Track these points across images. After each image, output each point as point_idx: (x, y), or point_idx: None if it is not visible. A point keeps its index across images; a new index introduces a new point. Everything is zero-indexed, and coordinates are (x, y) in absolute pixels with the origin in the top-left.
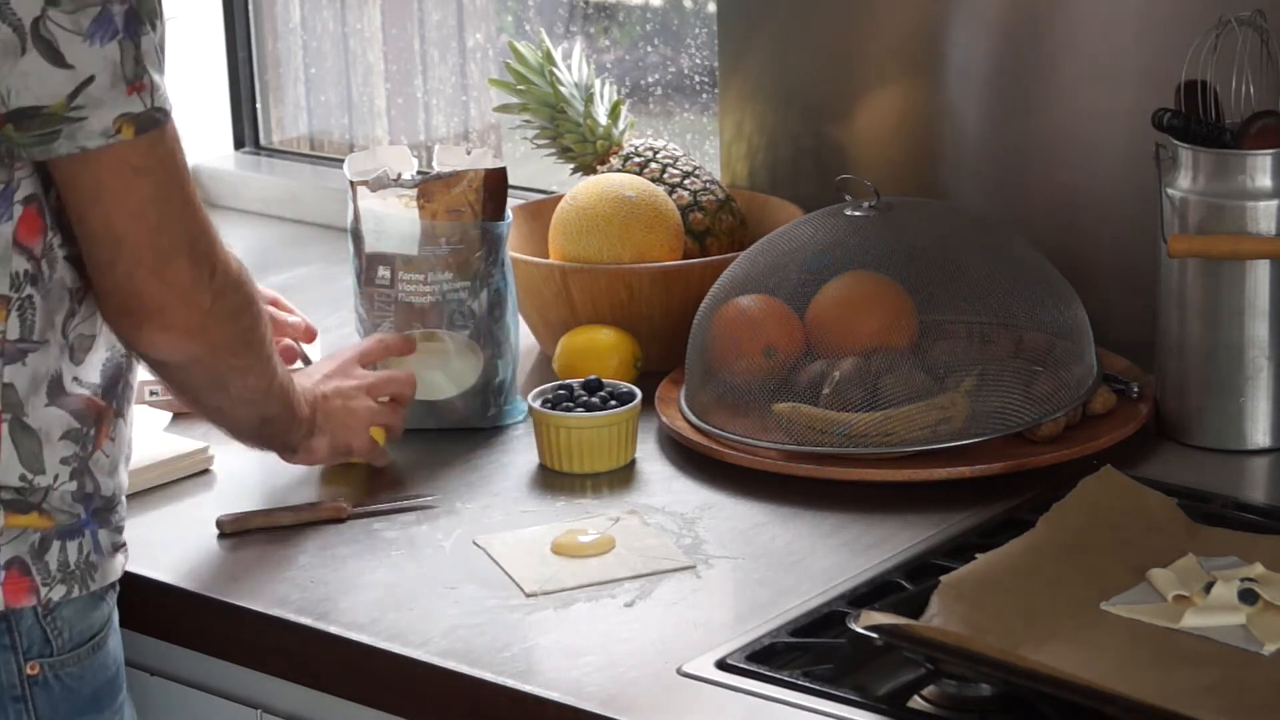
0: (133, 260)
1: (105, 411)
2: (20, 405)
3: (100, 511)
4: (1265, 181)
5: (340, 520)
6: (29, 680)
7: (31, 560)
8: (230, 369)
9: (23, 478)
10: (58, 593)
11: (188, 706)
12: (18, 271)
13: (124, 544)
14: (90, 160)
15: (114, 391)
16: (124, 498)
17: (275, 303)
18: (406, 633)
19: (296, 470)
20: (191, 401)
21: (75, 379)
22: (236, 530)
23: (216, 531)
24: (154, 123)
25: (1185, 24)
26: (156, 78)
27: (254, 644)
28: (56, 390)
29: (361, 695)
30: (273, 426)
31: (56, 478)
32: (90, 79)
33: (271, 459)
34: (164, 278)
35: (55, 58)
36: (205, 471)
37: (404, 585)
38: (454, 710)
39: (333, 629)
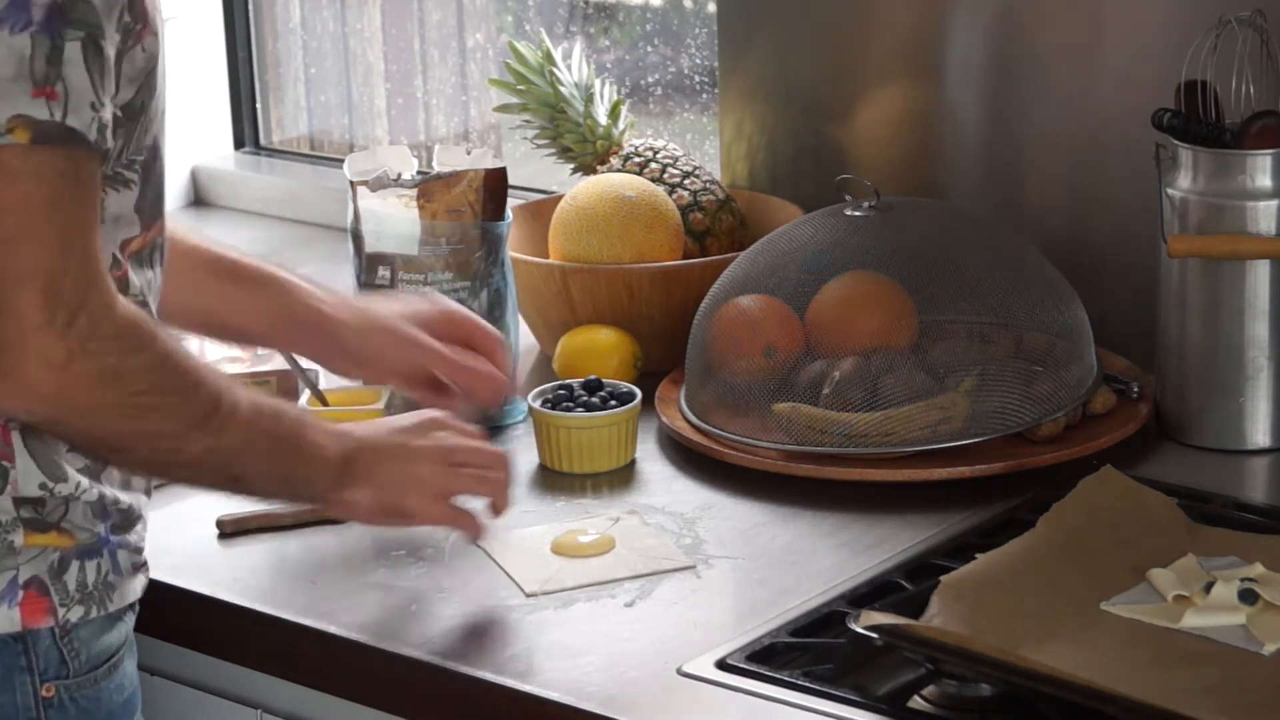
0: None
1: None
2: None
3: (119, 528)
4: (1265, 181)
5: (340, 520)
6: (44, 703)
7: (50, 580)
8: (121, 435)
9: (43, 486)
10: (75, 614)
11: (188, 706)
12: None
13: (144, 563)
14: None
15: None
16: (145, 514)
17: (470, 340)
18: (406, 633)
19: None
20: (123, 470)
21: None
22: (236, 530)
23: (216, 531)
24: (57, 139)
25: (1185, 24)
26: (84, 97)
27: (254, 644)
28: None
29: (361, 695)
30: (263, 485)
31: (79, 486)
32: None
33: None
34: (5, 304)
35: None
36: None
37: (404, 585)
38: (454, 710)
39: (333, 629)
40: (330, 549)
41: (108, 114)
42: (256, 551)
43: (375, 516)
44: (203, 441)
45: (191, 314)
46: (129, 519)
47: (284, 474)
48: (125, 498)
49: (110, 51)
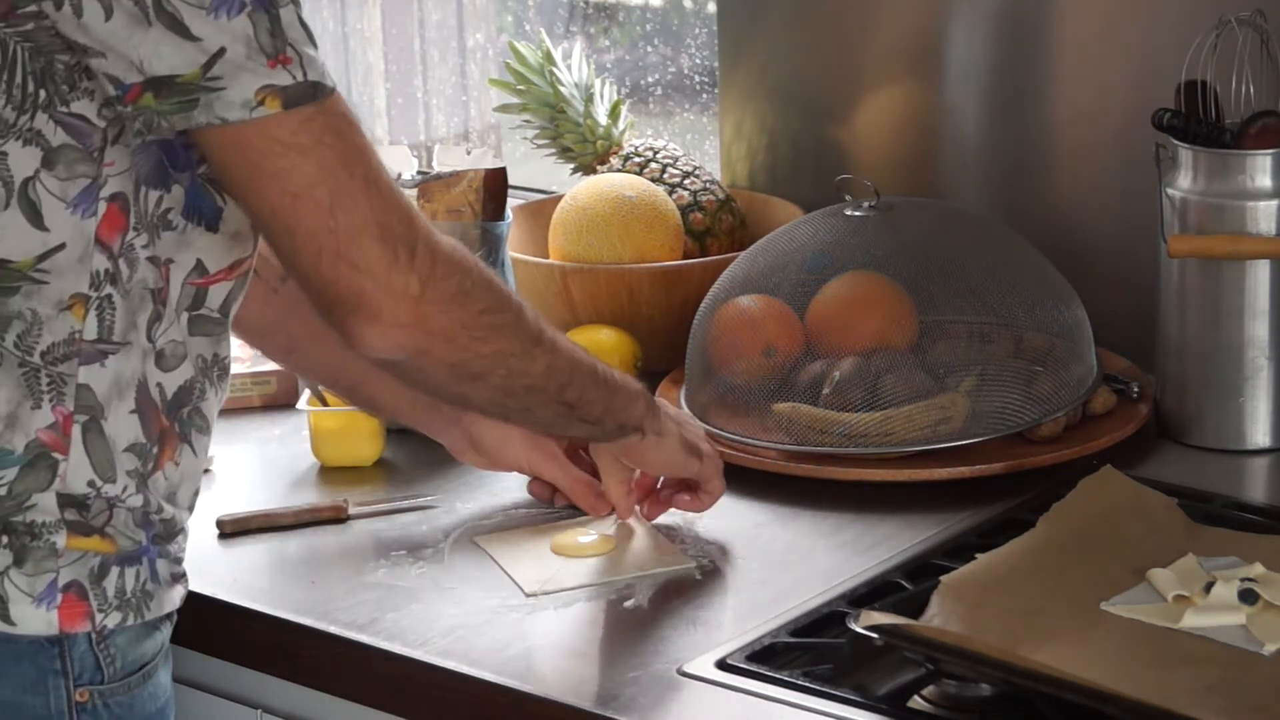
0: (311, 248)
1: (168, 432)
2: (99, 408)
3: (160, 538)
4: (1265, 181)
5: (340, 520)
6: (77, 707)
7: (90, 585)
8: (478, 357)
9: (91, 484)
10: (113, 620)
11: (188, 706)
12: (98, 270)
13: (184, 574)
14: (238, 140)
15: (177, 413)
16: (186, 527)
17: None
18: (406, 633)
19: (297, 470)
20: (472, 407)
21: (159, 385)
22: (236, 530)
23: (216, 531)
24: (307, 96)
25: (1185, 24)
26: (308, 52)
27: (254, 644)
28: (144, 396)
29: (361, 695)
30: (595, 409)
31: (125, 489)
32: (221, 51)
33: (270, 459)
34: (353, 263)
35: (182, 30)
36: (205, 471)
37: (404, 585)
38: (454, 710)
39: (333, 629)
40: (330, 549)
41: (323, 55)
42: (256, 551)
43: (679, 450)
44: (543, 359)
45: (327, 372)
46: (171, 530)
47: (609, 398)
48: (169, 508)
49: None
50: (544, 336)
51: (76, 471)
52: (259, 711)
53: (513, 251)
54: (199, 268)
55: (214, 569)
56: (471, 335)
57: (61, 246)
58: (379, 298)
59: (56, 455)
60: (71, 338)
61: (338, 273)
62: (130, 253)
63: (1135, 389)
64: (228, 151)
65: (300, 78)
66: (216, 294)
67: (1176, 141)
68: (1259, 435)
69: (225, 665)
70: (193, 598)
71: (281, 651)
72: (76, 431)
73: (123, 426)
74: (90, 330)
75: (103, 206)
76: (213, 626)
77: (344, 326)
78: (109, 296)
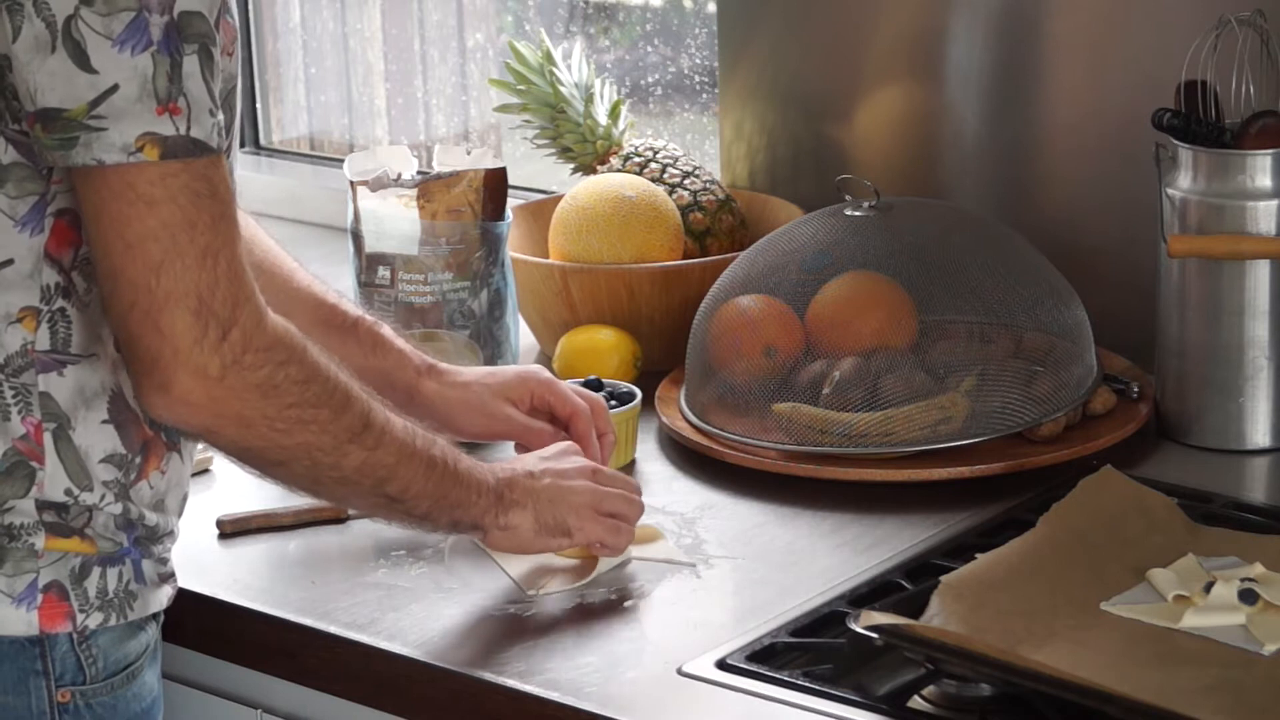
0: (126, 299)
1: (154, 441)
2: (64, 418)
3: (143, 541)
4: (1265, 181)
5: (340, 520)
6: (59, 707)
7: (71, 585)
8: (279, 447)
9: (68, 492)
10: (94, 620)
11: (188, 706)
12: (49, 284)
13: (172, 575)
14: (97, 177)
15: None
16: (174, 531)
17: (552, 409)
18: (406, 633)
19: None
20: (283, 486)
21: (137, 397)
22: (236, 530)
23: (216, 531)
24: (185, 151)
25: (1185, 24)
26: (203, 105)
27: (254, 644)
28: (120, 407)
29: (361, 695)
30: (422, 504)
31: (103, 498)
32: (114, 88)
33: None
34: (158, 327)
35: (82, 60)
36: (205, 471)
37: (404, 585)
38: (454, 710)
39: (333, 629)
40: (330, 549)
41: (222, 117)
42: (256, 551)
43: (537, 538)
44: (359, 455)
45: None
46: (155, 534)
47: (441, 494)
48: (154, 515)
49: (218, 56)
50: (367, 433)
51: (53, 480)
52: (259, 711)
53: (513, 251)
54: None
55: (214, 569)
56: (273, 426)
57: (10, 262)
58: (174, 370)
59: (34, 464)
60: (24, 349)
61: (143, 331)
62: (85, 266)
63: (1135, 389)
64: (83, 182)
65: (184, 131)
66: None
67: (1176, 141)
68: (1259, 435)
69: (225, 665)
70: (193, 598)
71: (281, 651)
72: (48, 440)
73: (95, 437)
74: (43, 342)
75: (49, 222)
76: (213, 626)
77: (136, 383)
78: (61, 310)
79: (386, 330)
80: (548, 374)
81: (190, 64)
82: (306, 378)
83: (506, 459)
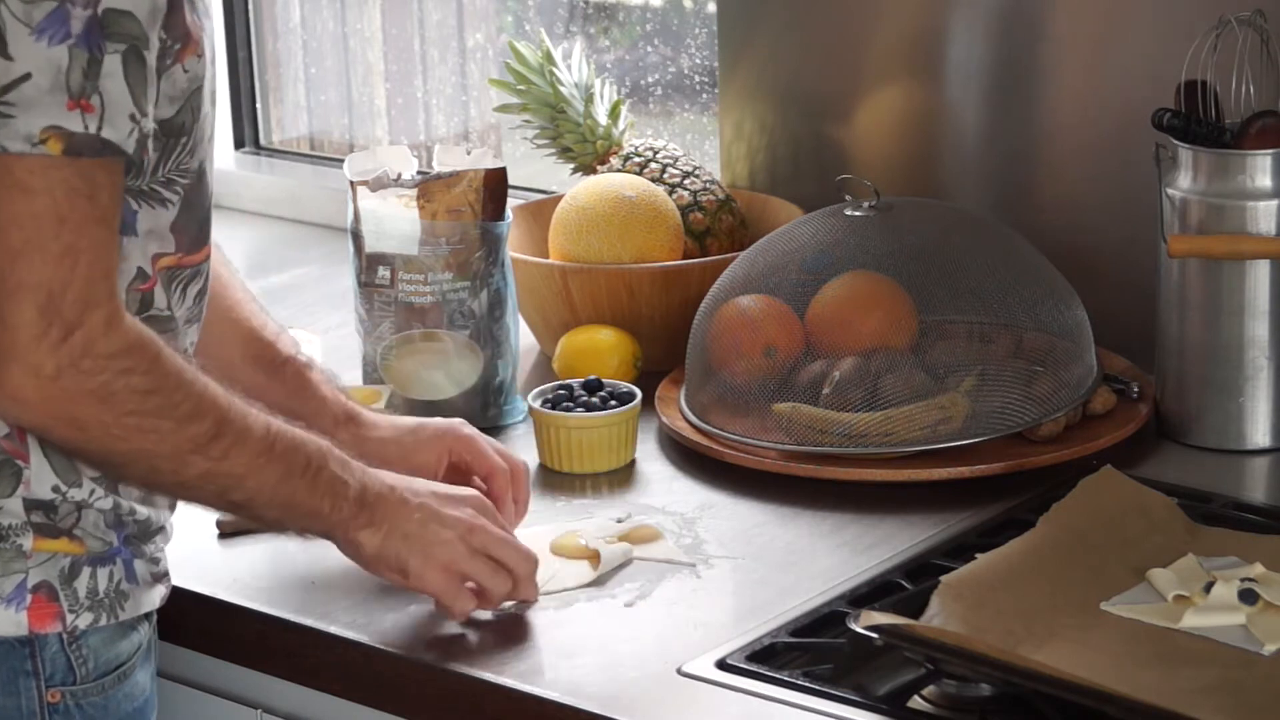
0: None
1: None
2: None
3: (133, 539)
4: (1265, 181)
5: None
6: (49, 708)
7: (60, 586)
8: (114, 452)
9: (56, 489)
10: (85, 620)
11: (188, 706)
12: None
13: (165, 574)
14: None
15: None
16: (166, 527)
17: (476, 468)
18: (406, 633)
19: None
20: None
21: None
22: (236, 530)
23: (216, 531)
24: (90, 150)
25: (1185, 24)
26: (122, 108)
27: (254, 644)
28: None
29: (361, 695)
30: (271, 511)
31: (93, 493)
32: (26, 76)
33: None
34: (2, 315)
35: None
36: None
37: None
38: (454, 710)
39: (333, 629)
40: (330, 549)
41: (149, 125)
42: (256, 551)
43: (375, 564)
44: (201, 466)
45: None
46: (146, 530)
47: (289, 503)
48: (143, 509)
49: (152, 62)
50: (214, 444)
51: (40, 477)
52: (259, 711)
53: (513, 251)
54: (140, 275)
55: (214, 569)
56: (108, 432)
57: None
58: (7, 362)
59: (19, 462)
60: None
61: None
62: None
63: (1135, 389)
64: None
65: (94, 129)
66: (159, 294)
67: (1176, 141)
68: (1259, 435)
69: (225, 665)
70: (193, 598)
71: (281, 651)
72: (31, 438)
73: None
74: None
75: None
76: (213, 626)
77: None
78: None
79: (315, 375)
80: (470, 430)
81: (111, 63)
82: (151, 388)
83: (406, 475)
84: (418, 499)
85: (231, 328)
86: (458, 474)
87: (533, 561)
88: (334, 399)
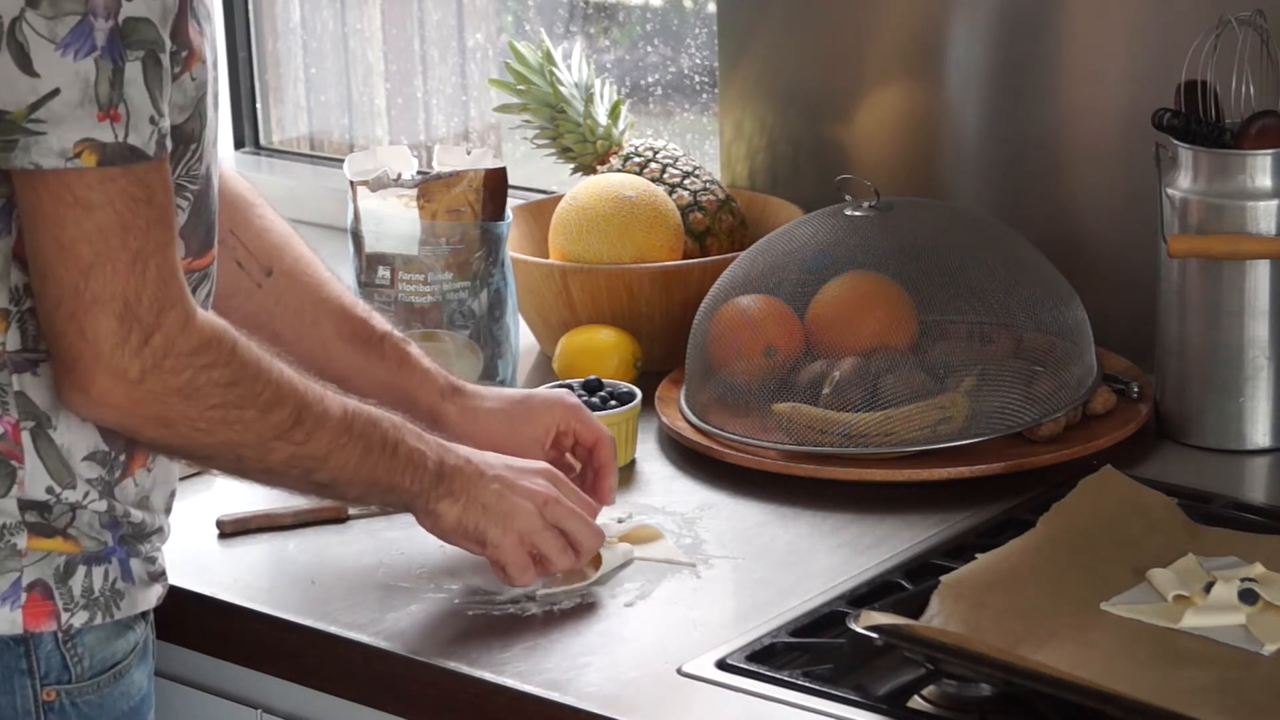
0: (53, 298)
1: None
2: (44, 415)
3: (128, 539)
4: (1265, 181)
5: (340, 520)
6: (44, 706)
7: (55, 584)
8: (201, 445)
9: (50, 490)
10: (80, 619)
11: (188, 706)
12: (17, 285)
13: (162, 573)
14: (35, 179)
15: None
16: (163, 528)
17: (578, 439)
18: (406, 633)
19: None
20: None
21: (57, 394)
22: (236, 530)
23: (216, 531)
24: (121, 158)
25: (1185, 24)
26: (143, 113)
27: (254, 644)
28: None
29: (361, 695)
30: (354, 489)
31: (87, 495)
32: (55, 92)
33: None
34: (82, 329)
35: (24, 62)
36: (205, 471)
37: (404, 585)
38: (454, 710)
39: (333, 629)
40: (330, 549)
41: (167, 123)
42: (256, 551)
43: (454, 534)
44: (285, 451)
45: (311, 367)
46: (142, 531)
47: (371, 479)
48: (139, 513)
49: (167, 62)
50: (297, 429)
51: (34, 478)
52: (259, 711)
53: (513, 251)
54: None
55: (214, 569)
56: (194, 426)
57: None
58: (93, 372)
59: (13, 463)
60: None
61: (66, 331)
62: None
63: (1135, 389)
64: (21, 183)
65: (122, 137)
66: None
67: (1176, 141)
68: (1259, 435)
69: (226, 665)
70: (193, 598)
71: (281, 651)
72: (26, 439)
73: (77, 435)
74: (14, 342)
75: (17, 225)
76: (213, 626)
77: (57, 381)
78: (31, 310)
79: (414, 349)
80: (575, 400)
81: (133, 70)
82: (232, 380)
83: (478, 450)
84: (493, 471)
85: (322, 308)
86: (563, 441)
87: (600, 537)
88: (436, 371)
